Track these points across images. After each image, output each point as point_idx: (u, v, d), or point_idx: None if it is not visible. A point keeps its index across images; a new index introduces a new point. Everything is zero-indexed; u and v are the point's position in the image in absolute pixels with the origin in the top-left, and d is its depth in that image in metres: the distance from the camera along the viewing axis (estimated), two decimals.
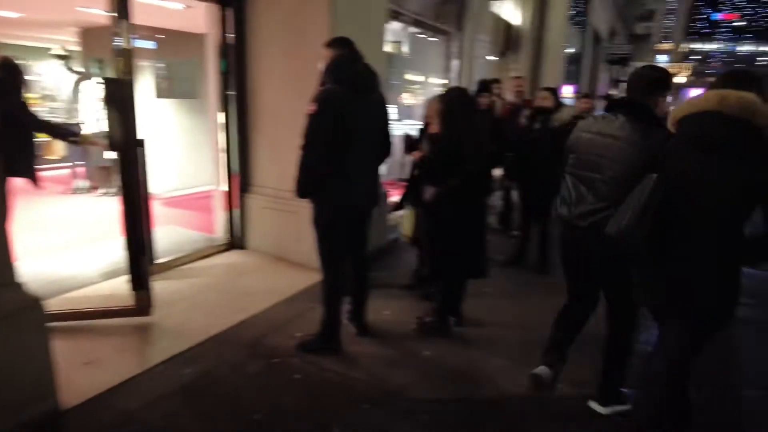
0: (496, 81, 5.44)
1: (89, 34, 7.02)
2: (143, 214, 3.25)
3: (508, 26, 9.41)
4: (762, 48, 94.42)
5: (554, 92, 4.23)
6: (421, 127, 3.75)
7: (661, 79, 2.16)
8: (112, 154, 6.28)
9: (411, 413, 2.38)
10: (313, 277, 3.97)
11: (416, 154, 3.05)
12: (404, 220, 3.64)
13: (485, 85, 4.72)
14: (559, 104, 4.11)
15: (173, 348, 2.85)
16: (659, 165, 1.78)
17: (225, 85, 4.28)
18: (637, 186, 1.78)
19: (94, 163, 6.46)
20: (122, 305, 3.18)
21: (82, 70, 6.95)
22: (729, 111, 1.67)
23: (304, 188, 2.64)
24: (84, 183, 6.73)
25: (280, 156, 4.28)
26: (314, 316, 3.28)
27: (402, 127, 5.98)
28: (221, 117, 4.36)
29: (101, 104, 3.24)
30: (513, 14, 9.42)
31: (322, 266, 2.84)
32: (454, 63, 6.90)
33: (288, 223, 4.27)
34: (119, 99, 3.05)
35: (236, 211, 4.55)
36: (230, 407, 2.38)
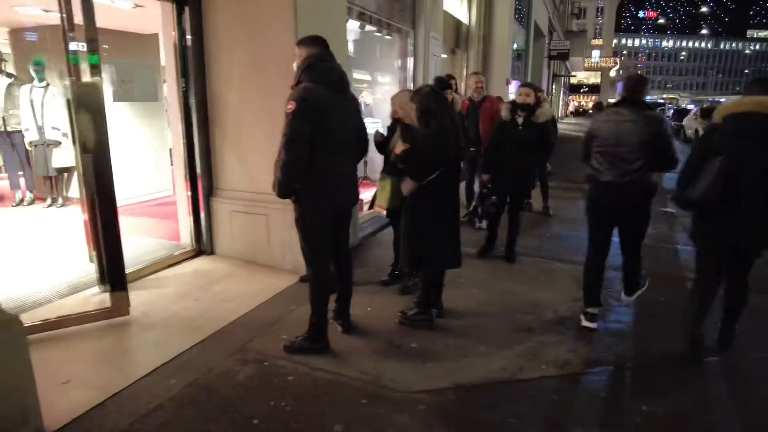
0: (451, 78, 5.57)
1: (20, 35, 6.58)
2: (116, 216, 3.18)
3: (457, 24, 9.63)
4: (682, 43, 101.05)
5: (535, 89, 4.40)
6: (389, 124, 3.79)
7: (644, 80, 3.20)
8: (60, 163, 6.06)
9: (409, 405, 2.42)
10: (287, 278, 3.96)
11: (399, 148, 3.08)
12: (379, 192, 3.55)
13: (444, 82, 4.82)
14: (538, 101, 4.28)
15: (155, 360, 2.75)
16: (718, 149, 2.58)
17: (185, 86, 4.15)
18: (703, 164, 2.61)
19: (40, 172, 6.08)
20: (99, 309, 3.13)
21: (14, 73, 6.51)
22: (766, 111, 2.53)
23: (286, 188, 2.61)
24: (28, 195, 6.32)
25: (245, 158, 4.21)
26: (297, 317, 3.29)
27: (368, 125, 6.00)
28: (179, 120, 4.22)
29: (67, 108, 3.06)
30: (462, 12, 9.64)
31: (308, 266, 2.82)
32: (409, 60, 6.98)
33: (257, 226, 4.21)
34: (91, 102, 2.95)
35: (201, 216, 4.42)
36: (226, 414, 2.33)
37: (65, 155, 6.12)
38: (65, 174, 6.32)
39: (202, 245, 4.45)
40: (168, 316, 3.33)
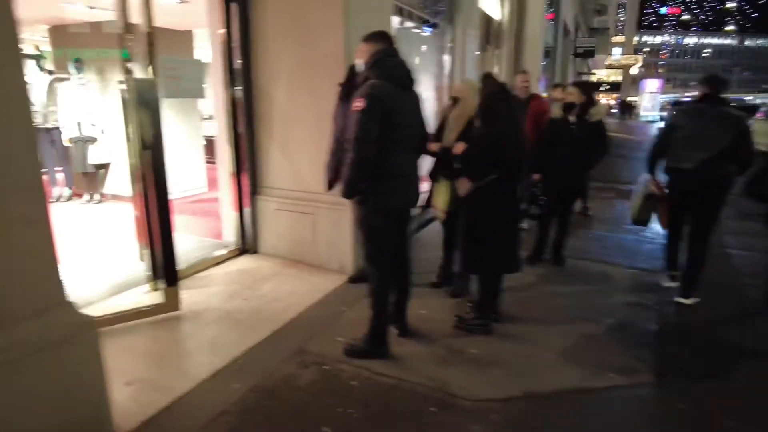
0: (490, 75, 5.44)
1: (60, 32, 6.61)
2: (171, 212, 3.23)
3: (488, 20, 9.47)
4: (706, 40, 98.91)
5: (582, 88, 4.26)
6: (439, 121, 3.69)
7: (725, 81, 3.55)
8: (97, 160, 6.09)
9: (482, 414, 2.34)
10: (334, 278, 3.90)
11: (459, 147, 2.99)
12: (437, 194, 3.43)
13: (493, 78, 4.68)
14: (590, 99, 4.14)
15: (214, 362, 2.71)
16: None
17: (232, 83, 4.11)
18: None
19: (78, 169, 6.11)
20: (152, 304, 3.18)
21: (53, 70, 6.55)
22: None
23: (354, 187, 2.54)
24: (66, 191, 6.36)
25: (291, 156, 4.15)
26: (350, 318, 3.23)
27: None
28: (224, 117, 4.18)
29: (123, 105, 3.03)
30: (493, 8, 9.48)
31: (370, 268, 2.75)
32: (445, 57, 6.87)
33: (302, 225, 4.16)
34: (149, 99, 2.93)
35: (245, 214, 4.38)
36: (294, 422, 2.27)
37: (102, 152, 6.15)
38: (101, 170, 6.36)
39: (246, 243, 4.41)
40: (221, 315, 3.29)
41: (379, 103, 2.42)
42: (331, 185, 3.35)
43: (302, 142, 4.05)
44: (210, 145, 6.93)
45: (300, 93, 3.99)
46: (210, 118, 7.23)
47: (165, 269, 3.21)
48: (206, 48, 4.63)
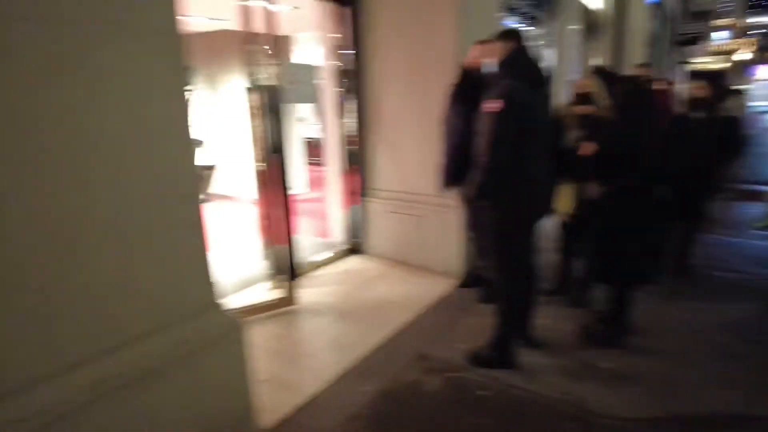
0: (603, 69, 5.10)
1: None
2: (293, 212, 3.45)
3: (586, 10, 8.97)
4: None
5: (712, 81, 3.89)
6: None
7: None
8: (205, 162, 6.48)
9: None
10: (443, 282, 3.84)
11: (589, 148, 2.82)
12: (560, 197, 3.23)
13: (609, 73, 4.39)
14: (722, 92, 3.77)
15: (340, 362, 2.74)
16: None
17: (343, 87, 4.18)
18: None
19: None
20: (274, 299, 3.39)
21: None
22: None
23: (487, 191, 2.45)
24: None
25: (400, 158, 4.14)
26: (468, 325, 3.16)
27: None
28: (335, 120, 4.27)
29: (252, 110, 3.17)
30: None
31: (500, 274, 2.65)
32: (548, 52, 6.58)
33: (410, 227, 4.14)
34: (276, 104, 3.07)
35: (352, 215, 4.44)
36: (427, 430, 2.24)
37: (208, 154, 6.56)
38: (207, 172, 6.76)
39: (353, 244, 4.47)
40: (339, 314, 3.35)
41: (516, 105, 2.32)
42: (447, 187, 3.29)
43: (410, 143, 4.03)
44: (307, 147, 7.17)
45: (409, 95, 3.97)
46: (303, 119, 7.48)
47: (286, 267, 3.38)
48: (304, 52, 4.78)
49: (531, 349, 2.87)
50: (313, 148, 6.80)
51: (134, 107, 1.64)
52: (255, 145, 3.19)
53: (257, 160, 3.22)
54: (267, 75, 3.14)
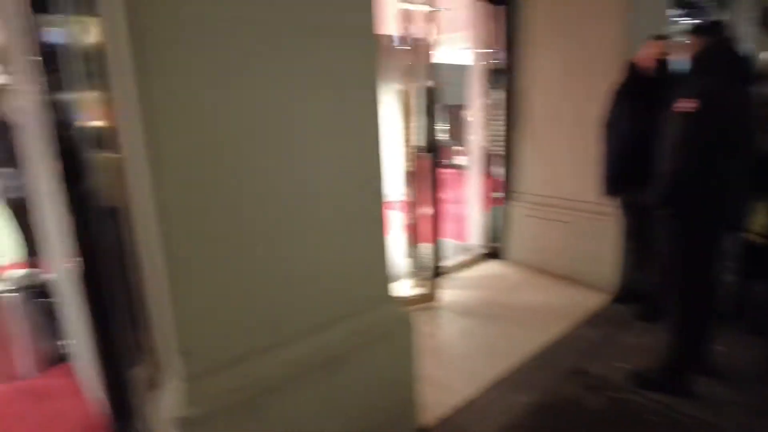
0: None
1: None
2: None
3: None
4: None
5: None
6: None
7: None
8: None
9: None
10: (592, 295, 3.61)
11: None
12: (758, 215, 2.88)
13: None
14: None
15: (494, 368, 2.70)
16: None
17: (491, 85, 4.12)
18: None
19: None
20: (418, 294, 3.48)
21: None
22: None
23: (671, 199, 2.25)
24: None
25: (549, 161, 3.97)
26: (626, 343, 2.94)
27: None
28: (481, 120, 4.22)
29: (405, 111, 3.27)
30: None
31: (677, 291, 2.42)
32: None
33: (556, 234, 3.95)
34: (431, 106, 3.15)
35: (492, 218, 4.37)
36: None
37: None
38: None
39: (492, 248, 4.39)
40: (487, 319, 3.31)
41: (714, 104, 2.10)
42: (608, 194, 3.09)
43: (564, 145, 3.85)
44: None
45: (564, 94, 3.79)
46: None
47: (429, 266, 3.45)
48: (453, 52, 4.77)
49: (706, 377, 2.58)
50: (445, 150, 6.82)
51: (335, 107, 1.74)
52: (406, 146, 3.27)
53: (407, 161, 3.28)
54: (420, 76, 3.19)
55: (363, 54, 1.81)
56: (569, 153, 3.78)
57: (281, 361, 1.67)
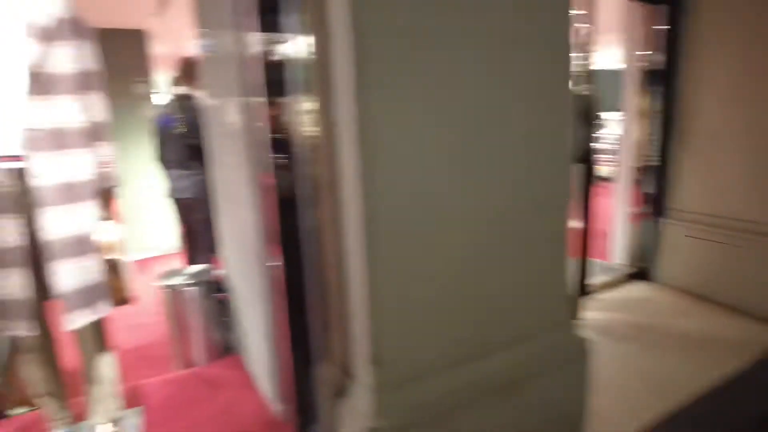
0: None
1: None
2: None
3: None
4: None
5: None
6: None
7: None
8: None
9: None
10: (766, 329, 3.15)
11: None
12: None
13: None
14: None
15: (657, 404, 2.43)
16: None
17: (644, 91, 3.79)
18: None
19: None
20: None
21: None
22: None
23: None
24: None
25: (715, 176, 3.54)
26: None
27: None
28: (634, 130, 3.89)
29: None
30: None
31: None
32: None
33: (719, 258, 3.51)
34: (590, 114, 3.03)
35: (640, 236, 4.00)
36: None
37: None
38: None
39: (640, 268, 4.03)
40: (645, 346, 3.01)
41: None
42: None
43: (735, 159, 3.41)
44: None
45: (737, 101, 3.36)
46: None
47: (576, 283, 3.22)
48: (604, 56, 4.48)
49: None
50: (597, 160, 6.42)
51: (531, 121, 1.66)
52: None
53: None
54: (579, 82, 3.01)
55: (558, 69, 1.71)
56: (741, 167, 3.36)
57: (464, 380, 1.61)
